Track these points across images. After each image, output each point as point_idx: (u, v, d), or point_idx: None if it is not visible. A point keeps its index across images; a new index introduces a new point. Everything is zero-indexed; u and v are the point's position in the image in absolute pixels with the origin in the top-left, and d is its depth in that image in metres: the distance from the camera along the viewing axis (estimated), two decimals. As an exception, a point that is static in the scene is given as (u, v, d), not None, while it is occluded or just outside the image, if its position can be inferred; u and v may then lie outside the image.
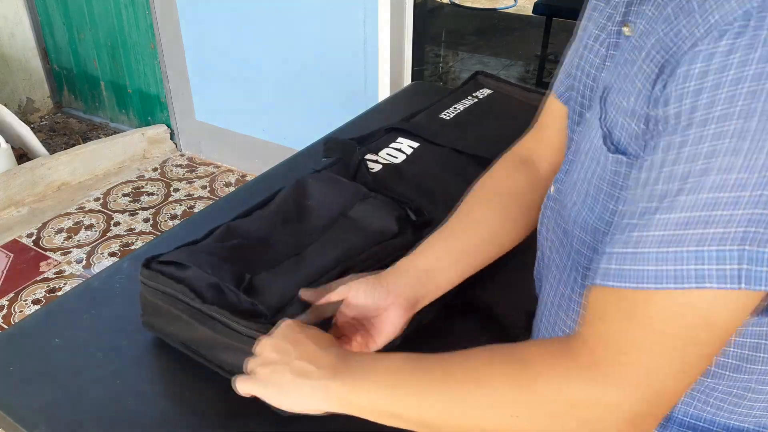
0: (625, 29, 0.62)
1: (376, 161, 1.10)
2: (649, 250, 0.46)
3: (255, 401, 0.65)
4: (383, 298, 0.75)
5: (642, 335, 0.47)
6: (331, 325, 0.76)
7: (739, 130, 0.43)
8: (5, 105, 3.02)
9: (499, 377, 0.54)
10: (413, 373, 0.58)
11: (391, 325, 0.75)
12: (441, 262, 0.79)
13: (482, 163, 1.11)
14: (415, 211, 0.96)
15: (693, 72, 0.46)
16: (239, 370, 0.77)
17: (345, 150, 1.13)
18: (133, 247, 2.44)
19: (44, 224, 2.58)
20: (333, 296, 0.75)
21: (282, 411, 0.65)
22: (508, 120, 1.33)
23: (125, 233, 2.53)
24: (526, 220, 0.84)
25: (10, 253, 2.41)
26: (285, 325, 0.67)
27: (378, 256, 0.89)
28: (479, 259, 0.82)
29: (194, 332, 0.80)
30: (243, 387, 0.66)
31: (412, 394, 0.57)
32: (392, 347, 0.85)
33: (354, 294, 0.74)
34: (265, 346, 0.66)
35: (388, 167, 1.09)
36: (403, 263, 0.78)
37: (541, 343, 0.56)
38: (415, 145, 1.16)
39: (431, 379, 0.57)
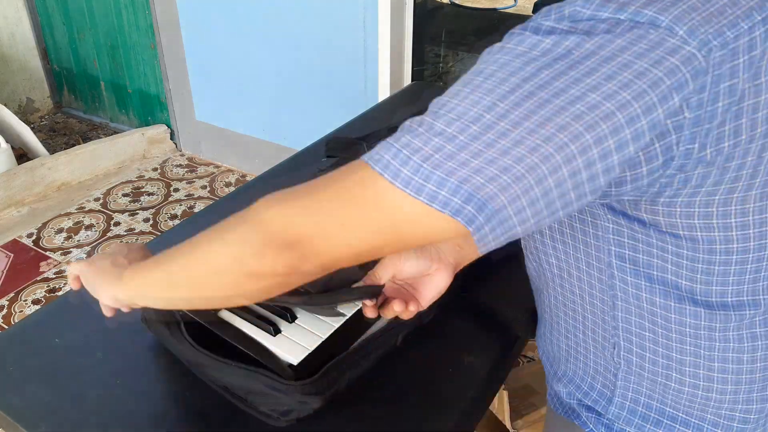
0: None
1: None
2: (394, 145, 0.50)
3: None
4: (429, 266, 0.79)
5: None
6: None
7: (476, 82, 0.49)
8: (5, 105, 3.02)
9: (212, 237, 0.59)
10: (160, 260, 0.66)
11: (435, 287, 0.79)
12: None
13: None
14: None
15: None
16: (232, 388, 0.78)
17: (349, 148, 1.12)
18: (133, 247, 2.44)
19: (44, 224, 2.58)
20: (383, 275, 0.79)
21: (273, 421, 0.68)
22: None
23: (125, 233, 2.53)
24: None
25: (10, 253, 2.41)
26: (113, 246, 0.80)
27: None
28: None
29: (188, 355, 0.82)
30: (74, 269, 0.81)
31: (157, 274, 0.66)
32: (393, 347, 0.85)
33: (401, 267, 0.79)
34: (96, 257, 0.79)
35: None
36: None
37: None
38: None
39: (169, 256, 0.64)
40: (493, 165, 0.47)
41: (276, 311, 0.84)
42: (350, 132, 1.50)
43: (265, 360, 0.76)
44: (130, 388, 0.82)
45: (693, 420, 0.68)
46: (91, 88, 3.38)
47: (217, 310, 0.83)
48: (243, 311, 0.84)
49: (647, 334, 0.65)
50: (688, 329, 0.63)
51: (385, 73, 2.34)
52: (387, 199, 0.49)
